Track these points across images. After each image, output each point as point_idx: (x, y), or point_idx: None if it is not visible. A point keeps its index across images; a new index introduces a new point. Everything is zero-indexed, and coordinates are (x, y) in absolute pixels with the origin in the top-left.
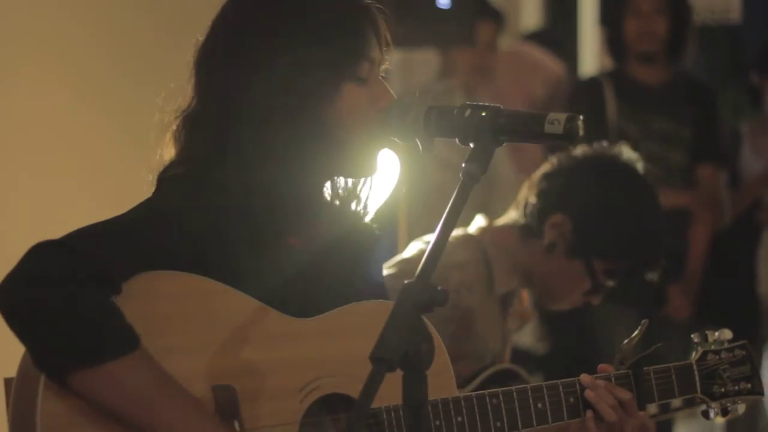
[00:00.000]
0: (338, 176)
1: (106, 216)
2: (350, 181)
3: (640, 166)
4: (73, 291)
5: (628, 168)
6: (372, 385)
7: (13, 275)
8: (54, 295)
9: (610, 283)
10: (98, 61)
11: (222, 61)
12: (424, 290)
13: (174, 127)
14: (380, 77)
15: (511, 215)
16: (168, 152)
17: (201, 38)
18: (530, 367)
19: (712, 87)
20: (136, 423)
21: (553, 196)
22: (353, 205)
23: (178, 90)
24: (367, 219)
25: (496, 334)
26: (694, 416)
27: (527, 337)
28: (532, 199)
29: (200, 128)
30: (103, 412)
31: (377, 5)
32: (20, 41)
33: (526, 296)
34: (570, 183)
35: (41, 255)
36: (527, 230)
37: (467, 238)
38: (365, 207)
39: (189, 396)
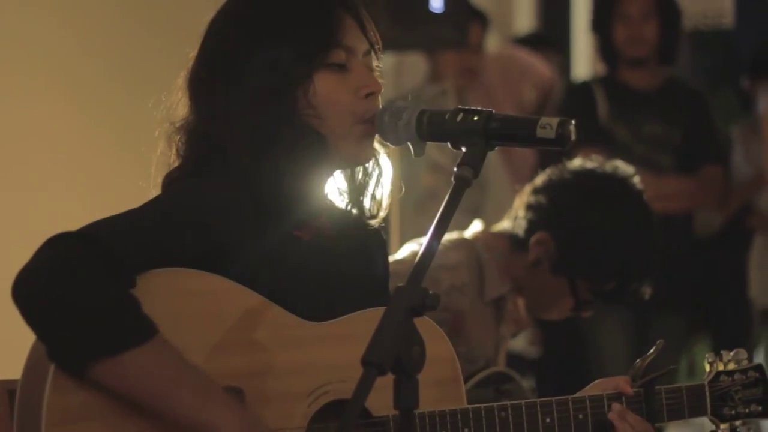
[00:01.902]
0: (334, 168)
1: (115, 209)
2: (358, 178)
3: (634, 182)
4: (89, 281)
5: (618, 188)
6: (362, 389)
7: (29, 267)
8: (71, 286)
9: (595, 301)
10: (92, 66)
11: (208, 71)
12: (415, 294)
13: (171, 138)
14: (365, 65)
15: (505, 224)
16: (166, 160)
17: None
18: (523, 370)
19: (703, 91)
20: (156, 409)
21: (540, 212)
22: (360, 203)
23: (174, 102)
24: (380, 217)
25: (489, 337)
26: (688, 423)
27: (520, 340)
28: (521, 213)
29: (196, 138)
30: (114, 405)
31: None
32: (14, 48)
33: (521, 303)
34: (556, 201)
35: (57, 246)
36: (516, 242)
37: (461, 241)
38: (376, 204)
39: (210, 382)
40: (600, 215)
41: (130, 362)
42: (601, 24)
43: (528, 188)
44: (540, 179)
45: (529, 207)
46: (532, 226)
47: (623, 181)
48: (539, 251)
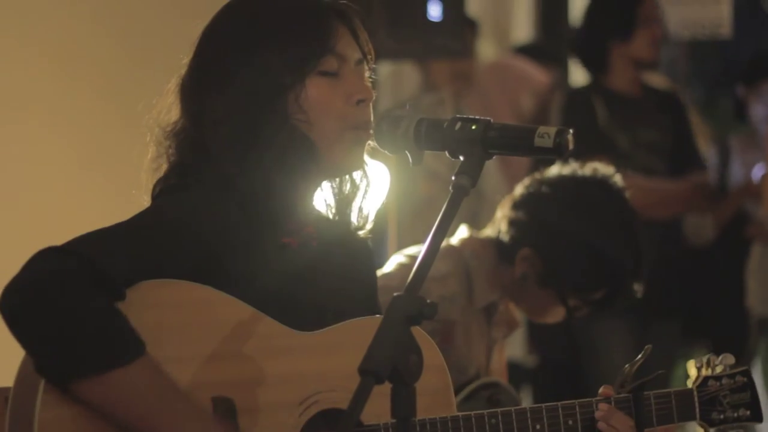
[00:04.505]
0: (323, 177)
1: (106, 221)
2: (346, 189)
3: (613, 182)
4: (78, 297)
5: (596, 192)
6: (360, 397)
7: (17, 281)
8: (59, 301)
9: (585, 311)
10: (101, 58)
11: (200, 75)
12: (412, 303)
13: (161, 143)
14: (358, 72)
15: (489, 231)
16: (157, 165)
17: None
18: (519, 380)
19: (678, 92)
20: (138, 431)
21: (521, 228)
22: (347, 215)
23: (165, 107)
24: (365, 229)
25: (480, 345)
26: (681, 428)
27: (516, 349)
28: (503, 227)
29: (186, 143)
30: (105, 418)
31: (348, 3)
32: (21, 38)
33: (513, 305)
34: (536, 216)
35: (45, 260)
36: (502, 255)
37: (449, 249)
38: (362, 217)
39: (192, 404)
40: (580, 226)
41: (113, 382)
42: (624, 29)
43: (507, 201)
44: (518, 191)
45: (511, 223)
46: (515, 243)
47: (600, 185)
48: (525, 267)
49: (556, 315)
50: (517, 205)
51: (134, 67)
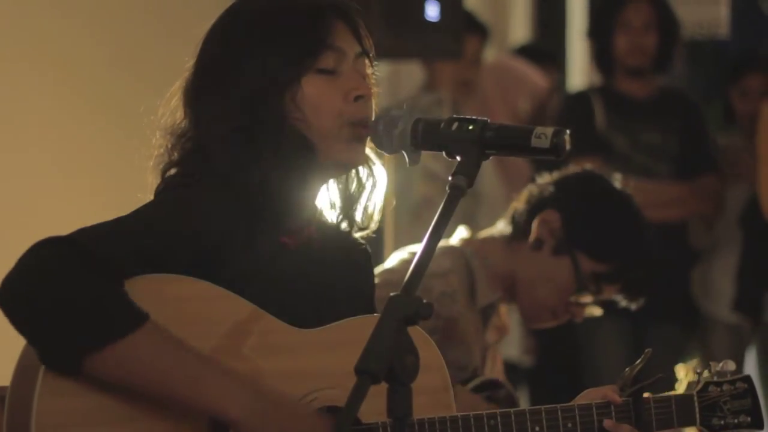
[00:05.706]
0: (326, 176)
1: (103, 218)
2: (352, 187)
3: (627, 190)
4: (75, 278)
5: (616, 185)
6: (356, 397)
7: (13, 273)
8: (57, 285)
9: (594, 285)
10: (96, 61)
11: (201, 78)
12: (409, 303)
13: (166, 145)
14: (356, 70)
15: (497, 227)
16: (160, 164)
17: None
18: (516, 380)
19: (697, 101)
20: (158, 394)
21: (545, 197)
22: (351, 214)
23: (170, 109)
24: (370, 228)
25: (478, 344)
26: None
27: (514, 349)
28: (521, 206)
29: (189, 145)
30: (103, 409)
31: (346, 1)
32: (17, 42)
33: (505, 310)
34: (563, 186)
35: (41, 250)
36: (513, 234)
37: (450, 248)
38: (367, 216)
39: (207, 359)
40: (604, 198)
41: (125, 350)
42: (600, 32)
43: (528, 188)
44: (538, 180)
45: (530, 197)
46: (534, 210)
47: (628, 200)
48: (543, 230)
49: (558, 300)
50: (538, 185)
51: (137, 69)
